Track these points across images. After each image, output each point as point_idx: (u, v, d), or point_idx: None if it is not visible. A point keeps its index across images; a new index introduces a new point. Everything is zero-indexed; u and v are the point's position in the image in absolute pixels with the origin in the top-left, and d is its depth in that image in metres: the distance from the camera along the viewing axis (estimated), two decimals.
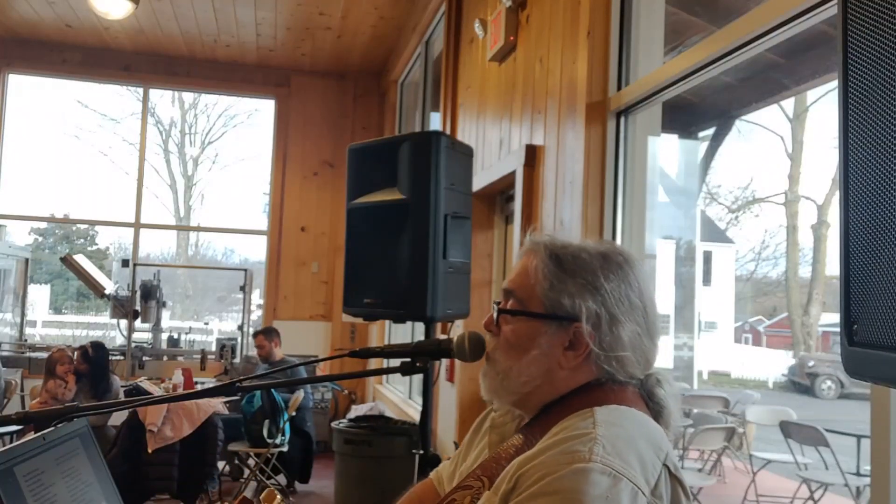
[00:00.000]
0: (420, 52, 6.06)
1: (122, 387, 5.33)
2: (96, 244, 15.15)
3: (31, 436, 1.08)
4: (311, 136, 7.56)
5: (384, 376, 6.67)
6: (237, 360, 6.64)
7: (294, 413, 5.17)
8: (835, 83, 0.75)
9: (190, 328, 7.49)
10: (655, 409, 1.04)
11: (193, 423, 4.75)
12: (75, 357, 5.21)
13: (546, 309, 1.04)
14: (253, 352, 6.64)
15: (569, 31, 2.91)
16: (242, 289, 7.11)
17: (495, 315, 1.10)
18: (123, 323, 6.63)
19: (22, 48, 7.02)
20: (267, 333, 5.79)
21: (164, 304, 6.88)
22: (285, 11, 6.02)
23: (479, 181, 3.75)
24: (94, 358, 5.15)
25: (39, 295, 13.85)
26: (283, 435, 5.08)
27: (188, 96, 13.21)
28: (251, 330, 7.12)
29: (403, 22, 6.11)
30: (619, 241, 2.57)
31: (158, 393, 5.02)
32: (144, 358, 6.70)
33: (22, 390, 6.05)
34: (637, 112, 2.62)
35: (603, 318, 1.02)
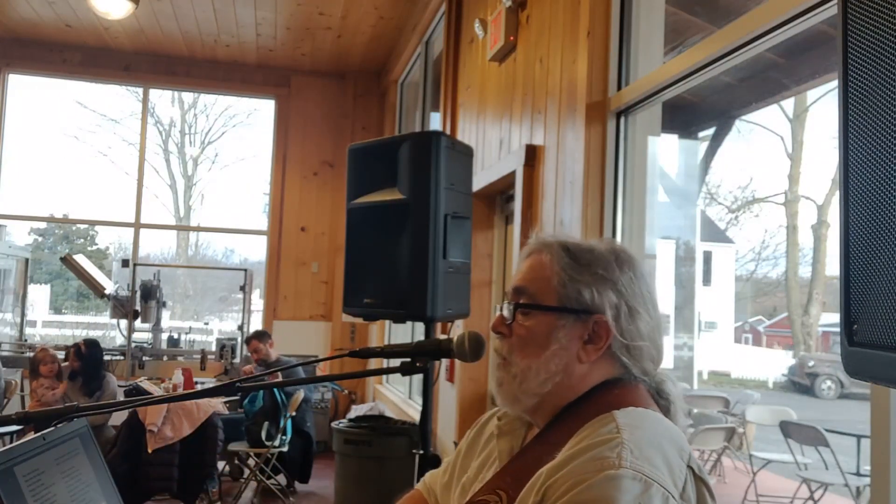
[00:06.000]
0: (420, 52, 6.05)
1: (122, 387, 5.33)
2: (96, 244, 15.15)
3: (31, 436, 1.07)
4: (311, 136, 7.56)
5: (384, 376, 6.67)
6: (237, 360, 6.64)
7: (294, 413, 5.17)
8: (835, 83, 0.75)
9: (190, 328, 7.49)
10: (664, 406, 1.03)
11: (193, 423, 4.75)
12: (69, 354, 5.22)
13: (562, 302, 1.02)
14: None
15: (569, 31, 2.91)
16: (242, 289, 7.11)
17: (507, 313, 1.06)
18: (123, 323, 6.63)
19: (22, 48, 7.02)
20: (260, 337, 5.60)
21: (164, 304, 6.87)
22: (285, 11, 6.02)
23: (479, 181, 3.75)
24: (87, 355, 5.15)
25: (39, 295, 13.84)
26: (284, 435, 5.08)
27: (188, 96, 13.21)
28: (250, 330, 7.11)
29: (403, 22, 6.10)
30: (619, 241, 2.57)
31: (158, 393, 5.02)
32: (144, 358, 6.70)
33: (22, 390, 6.06)
34: (637, 112, 2.62)
35: (622, 310, 1.01)
